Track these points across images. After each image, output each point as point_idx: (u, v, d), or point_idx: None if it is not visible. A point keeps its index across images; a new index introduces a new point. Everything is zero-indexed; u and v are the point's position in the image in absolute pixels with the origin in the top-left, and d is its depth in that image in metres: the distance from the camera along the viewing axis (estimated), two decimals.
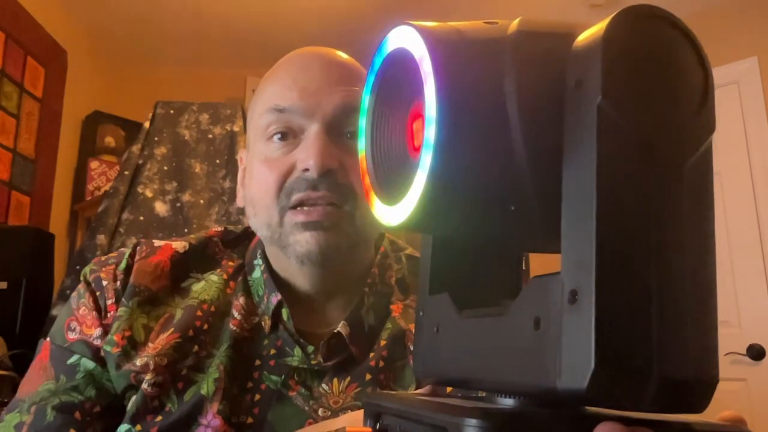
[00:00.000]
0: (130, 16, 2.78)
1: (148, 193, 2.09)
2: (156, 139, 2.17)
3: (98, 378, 0.63)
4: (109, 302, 0.65)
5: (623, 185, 0.25)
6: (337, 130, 0.64)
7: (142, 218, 2.05)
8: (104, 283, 0.66)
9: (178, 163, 2.16)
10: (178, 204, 2.11)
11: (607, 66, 0.25)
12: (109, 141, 2.97)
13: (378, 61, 0.35)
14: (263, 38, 2.93)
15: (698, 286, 0.26)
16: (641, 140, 0.25)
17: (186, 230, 2.05)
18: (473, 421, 0.26)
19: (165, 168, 2.14)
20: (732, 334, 2.50)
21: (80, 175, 2.88)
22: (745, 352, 2.46)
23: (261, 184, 0.65)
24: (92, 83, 3.03)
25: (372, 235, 0.70)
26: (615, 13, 0.26)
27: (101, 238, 1.98)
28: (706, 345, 0.25)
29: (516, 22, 0.30)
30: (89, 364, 0.63)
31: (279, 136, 0.64)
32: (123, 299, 0.65)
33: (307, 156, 0.61)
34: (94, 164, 2.88)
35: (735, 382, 2.47)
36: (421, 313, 0.39)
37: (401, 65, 0.32)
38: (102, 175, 2.87)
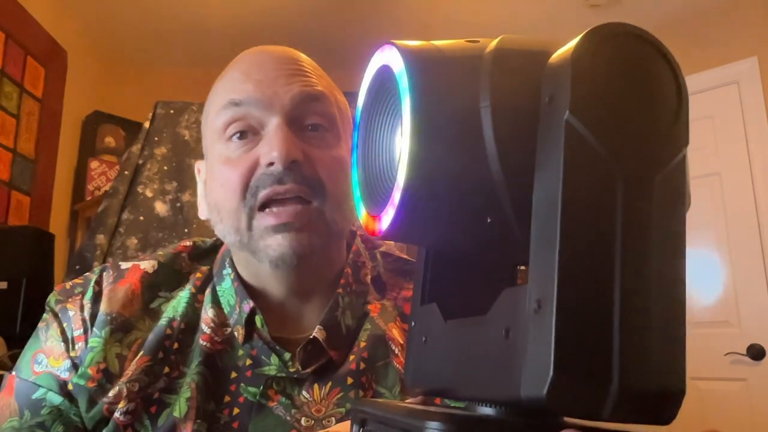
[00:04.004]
0: (130, 16, 2.79)
1: (148, 193, 2.09)
2: (156, 139, 2.17)
3: (66, 413, 0.60)
4: (76, 333, 0.63)
5: (588, 198, 0.25)
6: (299, 123, 0.61)
7: (142, 218, 2.05)
8: (71, 313, 0.64)
9: (178, 163, 2.16)
10: (178, 204, 2.11)
11: (575, 82, 0.25)
12: (109, 141, 2.98)
13: (367, 78, 0.36)
14: (263, 38, 2.93)
15: (665, 298, 0.26)
16: (608, 154, 0.26)
17: (186, 230, 2.05)
18: (434, 425, 0.26)
19: (165, 168, 2.14)
20: (732, 334, 2.50)
21: (80, 175, 2.89)
22: (745, 352, 2.46)
23: (224, 185, 0.61)
24: (92, 83, 3.03)
25: (344, 232, 0.67)
26: (585, 30, 0.26)
27: (100, 238, 1.98)
28: (673, 356, 0.25)
29: (496, 40, 0.31)
30: (56, 398, 0.60)
31: (238, 135, 0.62)
32: (94, 329, 0.62)
33: (270, 149, 0.59)
34: (94, 164, 2.89)
35: (735, 382, 2.47)
36: (413, 323, 0.40)
37: (386, 82, 0.33)
38: (102, 175, 2.88)
